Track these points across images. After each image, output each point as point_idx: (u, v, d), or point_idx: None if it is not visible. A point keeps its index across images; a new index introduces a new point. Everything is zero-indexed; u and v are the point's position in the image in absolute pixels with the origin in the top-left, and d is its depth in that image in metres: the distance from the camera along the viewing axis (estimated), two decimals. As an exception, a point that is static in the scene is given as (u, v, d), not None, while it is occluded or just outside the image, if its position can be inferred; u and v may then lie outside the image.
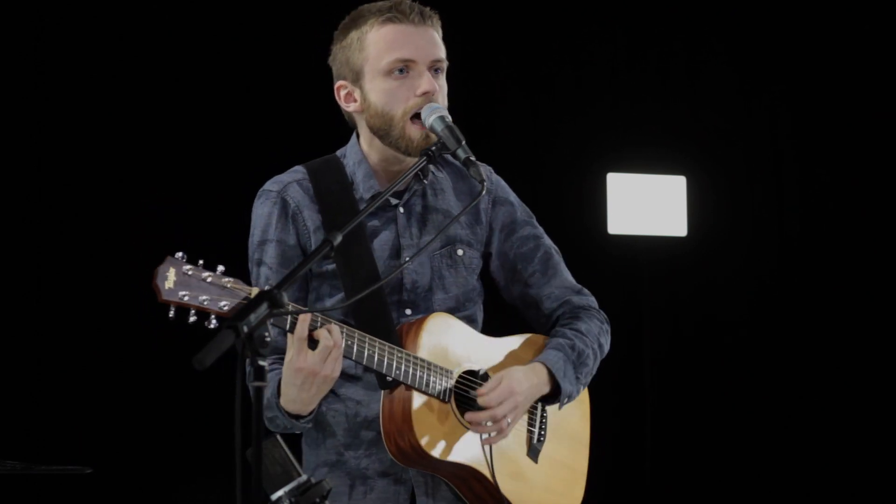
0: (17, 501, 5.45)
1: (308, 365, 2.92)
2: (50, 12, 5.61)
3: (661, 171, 6.57)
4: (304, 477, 2.63)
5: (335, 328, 2.94)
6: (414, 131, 3.14)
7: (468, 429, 3.15)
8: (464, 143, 3.04)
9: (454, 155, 3.04)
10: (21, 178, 5.58)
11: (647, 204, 6.53)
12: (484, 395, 3.13)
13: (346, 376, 3.17)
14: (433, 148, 3.04)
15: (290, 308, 2.85)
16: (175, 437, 5.62)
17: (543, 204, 6.52)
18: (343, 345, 2.96)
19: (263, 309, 2.43)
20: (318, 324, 2.93)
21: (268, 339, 2.42)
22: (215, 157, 5.70)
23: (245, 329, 2.39)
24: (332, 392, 3.18)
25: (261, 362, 2.40)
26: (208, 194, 5.61)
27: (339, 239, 2.72)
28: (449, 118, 3.09)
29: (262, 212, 3.23)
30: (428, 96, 3.12)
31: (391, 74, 3.15)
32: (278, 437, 2.64)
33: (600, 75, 6.61)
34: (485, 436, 3.14)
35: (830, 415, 6.59)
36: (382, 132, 3.18)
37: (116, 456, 5.48)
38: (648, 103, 6.64)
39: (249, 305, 2.43)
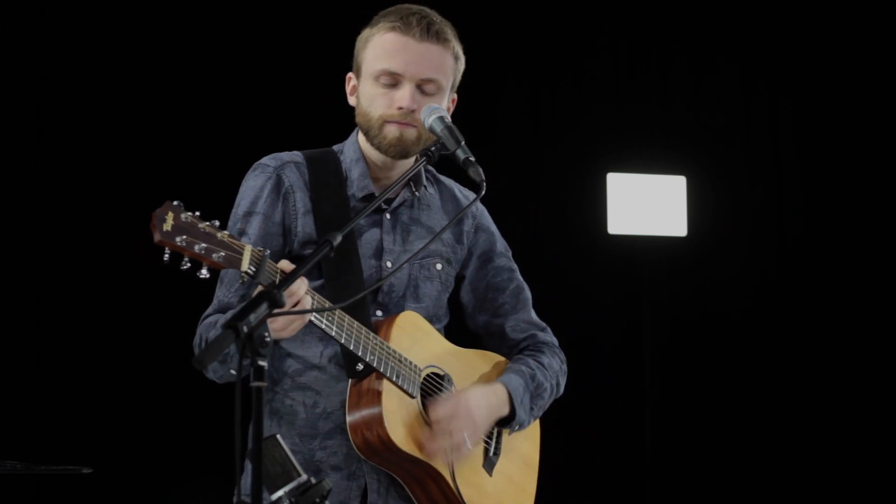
0: (17, 501, 5.45)
1: None
2: (50, 12, 5.61)
3: (661, 171, 6.57)
4: (304, 477, 2.63)
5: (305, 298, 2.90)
6: (389, 130, 3.18)
7: (430, 427, 3.15)
8: (463, 143, 3.04)
9: (453, 155, 3.04)
10: (21, 179, 5.58)
11: (647, 204, 6.54)
12: (435, 406, 3.14)
13: (307, 364, 3.17)
14: (432, 148, 3.05)
15: (288, 308, 2.85)
16: (175, 437, 5.62)
17: (544, 204, 6.58)
18: (316, 317, 2.96)
19: (263, 309, 2.43)
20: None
21: (268, 339, 2.42)
22: (214, 157, 5.70)
23: (245, 329, 2.39)
24: (291, 379, 3.18)
25: (260, 362, 2.40)
26: (208, 195, 5.61)
27: (338, 239, 2.73)
28: (448, 118, 3.09)
29: (255, 184, 3.24)
30: (402, 112, 3.15)
31: (378, 81, 3.19)
32: (278, 437, 2.65)
33: (601, 76, 6.62)
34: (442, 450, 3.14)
35: (830, 415, 6.59)
36: (364, 129, 3.23)
37: (116, 456, 5.49)
38: (649, 103, 6.64)
39: (249, 305, 2.44)
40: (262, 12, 5.86)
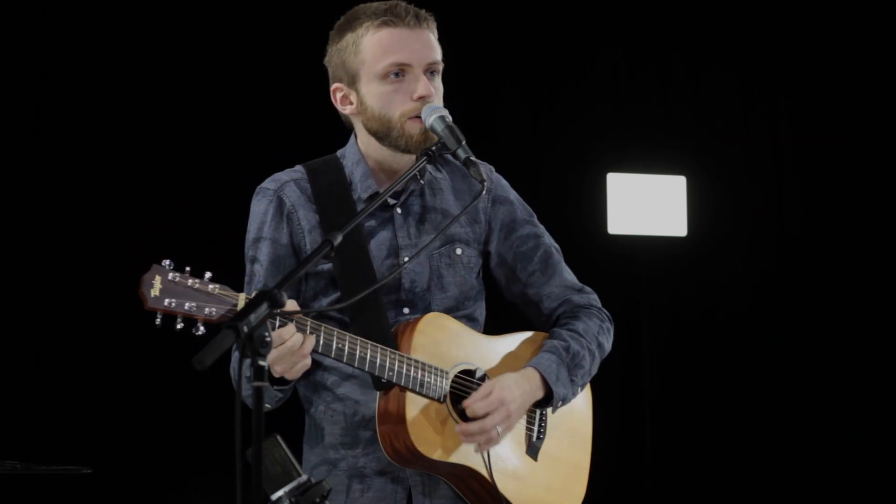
0: (17, 501, 5.45)
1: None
2: (50, 12, 5.61)
3: (661, 171, 6.57)
4: (304, 477, 2.63)
5: (290, 329, 2.91)
6: (413, 127, 3.15)
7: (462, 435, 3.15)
8: (464, 142, 3.04)
9: (454, 155, 3.05)
10: (21, 179, 5.58)
11: (647, 204, 6.53)
12: (471, 405, 3.13)
13: (343, 375, 3.18)
14: (433, 148, 3.05)
15: (289, 309, 2.85)
16: (175, 437, 5.62)
17: (543, 204, 6.53)
18: (318, 343, 2.96)
19: (263, 309, 2.43)
20: (279, 324, 2.90)
21: (268, 339, 2.42)
22: (216, 159, 5.70)
23: (245, 329, 2.39)
24: (331, 391, 3.20)
25: (261, 362, 2.40)
26: (210, 195, 5.61)
27: (338, 239, 2.72)
28: (449, 118, 3.09)
29: (258, 209, 3.24)
30: (424, 100, 3.13)
31: (387, 78, 3.16)
32: (278, 437, 2.65)
33: (601, 76, 6.61)
34: (475, 445, 3.14)
35: (829, 414, 6.59)
36: (381, 134, 3.19)
37: (116, 456, 5.49)
38: (649, 103, 6.64)
39: (249, 305, 2.43)
40: (263, 13, 5.86)
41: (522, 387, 3.20)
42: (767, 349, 6.64)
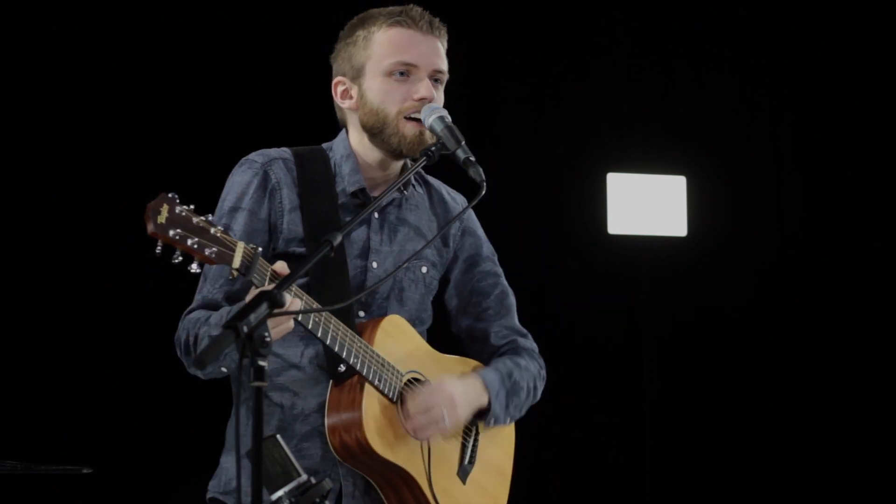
0: (17, 501, 5.45)
1: None
2: (50, 12, 5.62)
3: (661, 171, 6.57)
4: (304, 477, 2.63)
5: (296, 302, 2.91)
6: (408, 129, 3.15)
7: (408, 433, 3.13)
8: (463, 143, 3.03)
9: (453, 155, 3.04)
10: (21, 179, 5.58)
11: (647, 204, 6.54)
12: (416, 396, 3.12)
13: (286, 364, 3.15)
14: (433, 148, 3.04)
15: (289, 307, 2.85)
16: (174, 438, 5.62)
17: (543, 204, 6.59)
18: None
19: (263, 309, 2.43)
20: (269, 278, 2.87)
21: (268, 339, 2.42)
22: (214, 157, 5.69)
23: (245, 329, 2.39)
24: (270, 380, 3.14)
25: (261, 362, 2.40)
26: (208, 193, 5.61)
27: (338, 239, 2.72)
28: (448, 118, 3.08)
29: (242, 179, 3.22)
30: (424, 102, 3.13)
31: (392, 76, 3.17)
32: (278, 437, 2.65)
33: (601, 75, 6.62)
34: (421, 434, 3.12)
35: (829, 414, 6.60)
36: (376, 130, 3.19)
37: (116, 456, 5.49)
38: (649, 103, 6.64)
39: (249, 305, 2.43)
40: (257, 12, 5.86)
41: (466, 387, 3.21)
42: (767, 349, 6.64)
